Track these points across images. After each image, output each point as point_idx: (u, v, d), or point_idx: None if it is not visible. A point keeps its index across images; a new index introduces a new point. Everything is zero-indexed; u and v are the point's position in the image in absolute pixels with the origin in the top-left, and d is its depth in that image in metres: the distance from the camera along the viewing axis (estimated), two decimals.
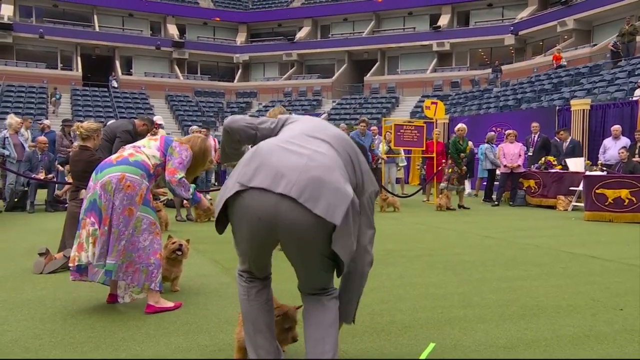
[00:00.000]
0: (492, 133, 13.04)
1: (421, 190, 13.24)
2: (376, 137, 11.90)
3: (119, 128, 6.78)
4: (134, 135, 6.58)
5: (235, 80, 40.00)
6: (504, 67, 29.34)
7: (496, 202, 11.28)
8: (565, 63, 23.52)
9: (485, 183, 12.71)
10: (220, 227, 2.14)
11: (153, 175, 3.40)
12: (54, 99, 29.29)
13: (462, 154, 10.58)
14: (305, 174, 1.85)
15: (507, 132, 11.83)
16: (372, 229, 2.18)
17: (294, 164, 1.88)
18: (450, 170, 10.42)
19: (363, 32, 37.80)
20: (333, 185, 1.85)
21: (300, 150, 1.96)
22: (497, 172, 11.78)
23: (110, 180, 3.22)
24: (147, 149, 3.41)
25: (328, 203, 1.82)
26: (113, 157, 3.37)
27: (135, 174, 3.27)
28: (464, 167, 10.62)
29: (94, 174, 3.34)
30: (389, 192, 11.30)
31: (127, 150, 3.40)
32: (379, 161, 11.58)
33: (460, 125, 10.90)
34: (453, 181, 10.50)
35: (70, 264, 3.30)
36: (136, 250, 3.24)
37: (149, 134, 6.72)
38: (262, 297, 2.20)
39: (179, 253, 3.84)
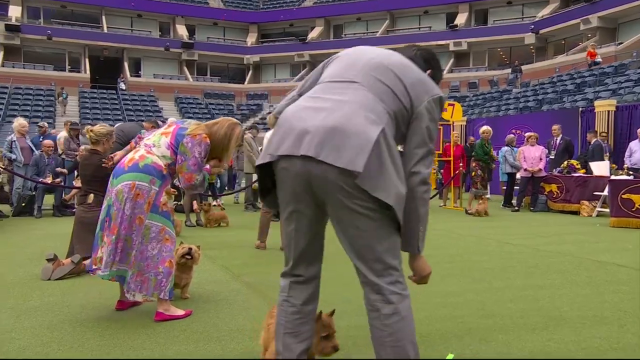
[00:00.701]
0: (512, 135, 12.98)
1: (437, 195, 13.19)
2: None
3: (132, 132, 6.87)
4: None
5: (246, 82, 40.23)
6: (524, 67, 29.17)
7: (516, 208, 11.20)
8: (601, 60, 23.18)
9: (505, 187, 12.62)
10: (269, 202, 2.12)
11: (167, 176, 3.37)
12: (60, 98, 29.69)
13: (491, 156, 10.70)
14: (323, 129, 1.83)
15: (527, 134, 11.76)
16: (425, 147, 1.95)
17: (313, 121, 1.86)
18: (474, 173, 10.44)
19: (377, 31, 37.81)
20: (353, 132, 1.80)
21: (322, 104, 1.92)
22: (518, 176, 11.69)
23: (123, 189, 3.25)
24: (157, 148, 3.36)
25: (350, 152, 1.78)
26: (126, 160, 3.37)
27: (144, 181, 3.26)
28: (493, 165, 10.71)
29: (112, 177, 3.37)
30: None
31: (139, 152, 3.37)
32: None
33: (485, 128, 10.92)
34: (477, 185, 10.50)
35: (93, 265, 3.34)
36: (145, 260, 3.27)
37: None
38: (302, 304, 2.07)
39: (189, 257, 3.86)
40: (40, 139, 10.75)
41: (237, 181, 12.33)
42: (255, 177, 8.46)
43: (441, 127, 12.36)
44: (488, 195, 13.82)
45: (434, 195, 12.43)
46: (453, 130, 12.63)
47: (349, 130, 1.80)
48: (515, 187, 11.93)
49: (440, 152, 12.28)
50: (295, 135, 1.87)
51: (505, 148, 12.44)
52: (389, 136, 1.85)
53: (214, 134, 3.41)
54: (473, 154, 10.57)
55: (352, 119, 1.83)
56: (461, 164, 11.55)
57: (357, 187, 1.80)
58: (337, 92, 1.95)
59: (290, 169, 1.90)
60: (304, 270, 2.09)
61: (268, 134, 6.39)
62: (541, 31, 31.82)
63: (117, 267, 3.26)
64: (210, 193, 10.62)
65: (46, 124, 11.80)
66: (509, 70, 29.57)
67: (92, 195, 4.91)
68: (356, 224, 1.86)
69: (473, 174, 10.48)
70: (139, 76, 37.70)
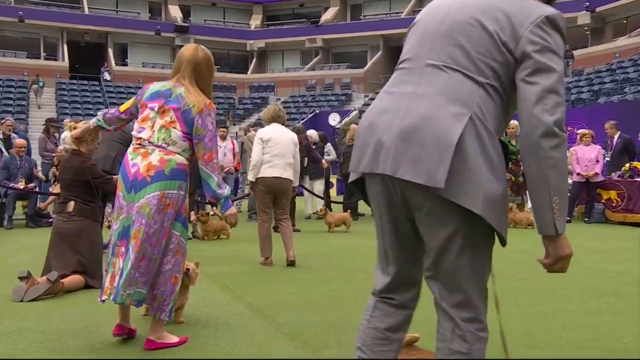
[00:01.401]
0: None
1: None
2: None
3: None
4: None
5: (249, 72, 40.44)
6: (576, 53, 28.96)
7: (567, 218, 11.07)
8: None
9: None
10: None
11: (190, 172, 3.46)
12: (35, 86, 29.65)
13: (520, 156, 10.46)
14: (399, 138, 1.82)
15: (580, 131, 11.66)
16: (537, 84, 1.75)
17: (388, 129, 1.85)
18: None
19: (402, 12, 37.83)
20: (432, 137, 1.77)
21: (396, 103, 1.90)
22: (569, 181, 11.61)
23: (149, 202, 3.24)
24: (174, 145, 3.33)
25: (429, 163, 1.76)
26: (142, 168, 3.28)
27: (173, 188, 3.30)
28: (520, 178, 10.45)
29: (125, 192, 3.31)
30: None
31: (155, 156, 3.30)
32: None
33: (511, 123, 10.78)
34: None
35: (103, 297, 3.33)
36: (159, 274, 3.34)
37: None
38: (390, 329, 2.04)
39: (185, 278, 3.89)
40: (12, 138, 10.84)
41: (240, 186, 12.39)
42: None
43: None
44: (529, 205, 13.71)
45: None
46: None
47: (427, 135, 1.77)
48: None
49: None
50: (371, 148, 1.89)
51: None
52: (478, 123, 1.77)
53: (204, 83, 3.50)
54: None
55: (431, 119, 1.78)
56: None
57: (440, 199, 1.79)
58: (411, 83, 1.90)
59: (372, 187, 1.98)
60: (396, 293, 2.07)
61: (262, 131, 6.43)
62: (598, 9, 31.54)
63: (138, 290, 3.26)
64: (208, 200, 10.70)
65: (9, 121, 11.55)
66: None
67: (72, 203, 4.96)
68: (438, 243, 1.86)
69: None
70: (126, 65, 38.08)
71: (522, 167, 9.93)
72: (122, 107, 3.68)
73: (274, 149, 6.24)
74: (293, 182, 6.41)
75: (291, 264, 6.13)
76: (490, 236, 1.87)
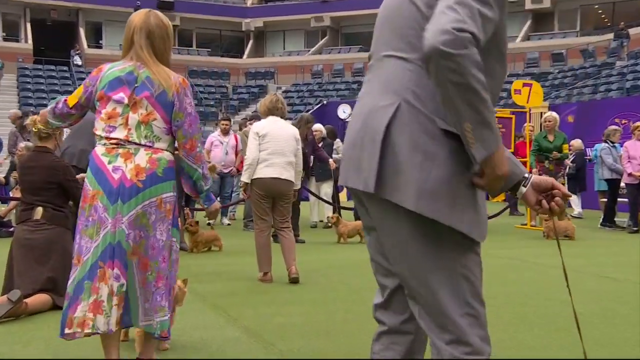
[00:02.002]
0: (614, 127, 12.79)
1: (508, 209, 13.07)
2: None
3: None
4: None
5: (245, 56, 40.48)
6: (632, 31, 28.82)
7: (634, 228, 10.97)
8: None
9: (605, 200, 12.47)
10: None
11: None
12: None
13: (555, 153, 10.39)
14: (348, 146, 2.05)
15: (635, 124, 11.59)
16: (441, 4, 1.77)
17: (347, 135, 2.08)
18: None
19: None
20: (369, 138, 1.92)
21: (356, 107, 2.09)
22: (622, 183, 11.54)
23: (145, 211, 3.20)
24: (159, 141, 3.28)
25: (365, 168, 1.91)
26: (129, 173, 3.19)
27: (169, 191, 3.30)
28: (560, 179, 10.42)
29: (107, 202, 3.18)
30: None
31: (142, 156, 3.22)
32: None
33: (548, 115, 10.76)
34: None
35: (80, 329, 3.15)
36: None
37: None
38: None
39: None
40: None
41: (234, 189, 12.40)
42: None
43: (513, 117, 12.31)
44: (579, 210, 13.68)
45: (502, 210, 12.32)
46: (529, 122, 12.56)
47: (366, 136, 1.94)
48: (624, 200, 11.72)
49: (512, 150, 12.19)
50: (344, 163, 2.10)
51: (603, 145, 12.25)
52: (408, 111, 1.86)
53: (163, 58, 3.40)
54: (531, 150, 10.41)
55: (368, 118, 1.95)
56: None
57: (384, 202, 1.88)
58: (366, 82, 2.11)
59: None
60: (385, 315, 2.12)
61: (258, 125, 6.43)
62: None
63: (165, 317, 3.26)
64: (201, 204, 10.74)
65: None
66: (611, 36, 29.26)
67: (40, 210, 4.96)
68: (397, 253, 1.94)
69: None
70: (100, 47, 38.18)
71: (564, 168, 9.86)
72: (70, 101, 3.47)
73: (272, 145, 6.24)
74: (295, 184, 6.42)
75: (294, 281, 6.13)
76: (460, 237, 1.85)
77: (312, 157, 10.48)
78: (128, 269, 3.17)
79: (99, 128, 3.28)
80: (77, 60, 34.76)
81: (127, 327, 3.31)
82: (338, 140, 12.21)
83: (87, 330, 3.12)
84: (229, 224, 11.83)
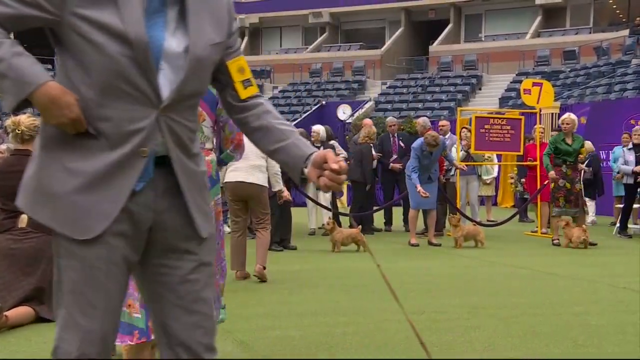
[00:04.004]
0: (638, 128, 12.66)
1: (518, 215, 13.06)
2: (447, 136, 11.87)
3: None
4: None
5: None
6: None
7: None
8: None
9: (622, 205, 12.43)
10: None
11: None
12: None
13: (581, 158, 10.41)
14: None
15: None
16: None
17: None
18: (553, 185, 10.20)
19: None
20: None
21: None
22: None
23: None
24: (208, 142, 3.37)
25: None
26: None
27: (219, 192, 3.43)
28: (578, 185, 10.38)
29: None
30: (468, 218, 11.20)
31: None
32: (452, 172, 11.51)
33: (566, 117, 10.71)
34: (559, 203, 10.28)
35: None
36: None
37: None
38: None
39: None
40: None
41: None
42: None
43: (522, 118, 12.28)
44: (591, 217, 13.66)
45: (512, 217, 12.33)
46: (540, 123, 12.55)
47: None
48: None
49: (521, 153, 12.17)
50: None
51: (620, 148, 12.24)
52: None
53: None
54: (545, 152, 10.39)
55: None
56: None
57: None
58: None
59: None
60: None
61: None
62: None
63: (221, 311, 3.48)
64: None
65: None
66: (626, 32, 29.29)
67: (25, 217, 4.92)
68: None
69: (553, 185, 10.22)
70: None
71: (581, 173, 9.82)
72: None
73: None
74: (265, 186, 6.82)
75: (259, 277, 6.67)
76: (58, 239, 1.89)
77: None
78: None
79: None
80: None
81: None
82: (335, 141, 12.20)
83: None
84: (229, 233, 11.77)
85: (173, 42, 1.88)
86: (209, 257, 2.02)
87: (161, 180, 1.91)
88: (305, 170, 1.99)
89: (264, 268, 6.69)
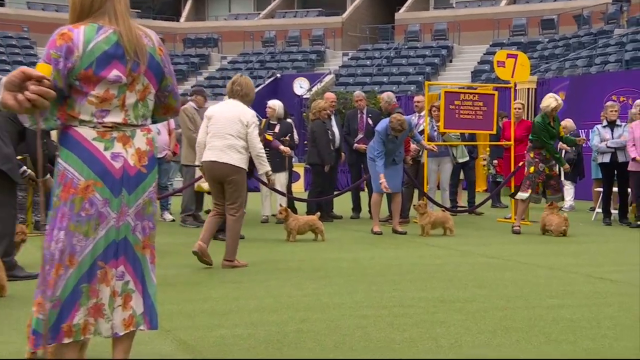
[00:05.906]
0: (612, 104, 12.86)
1: (490, 200, 13.17)
2: (423, 113, 11.85)
3: None
4: None
5: (183, 19, 40.09)
6: None
7: None
8: None
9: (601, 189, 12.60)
10: None
11: None
12: None
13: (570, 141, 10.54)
14: None
15: (638, 102, 11.72)
16: None
17: None
18: (532, 168, 10.25)
19: None
20: None
21: None
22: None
23: (151, 198, 3.36)
24: (150, 117, 3.38)
25: None
26: (131, 159, 3.23)
27: (157, 174, 3.44)
28: (555, 167, 10.53)
29: (109, 194, 3.19)
30: (436, 203, 11.28)
31: (139, 139, 3.29)
32: (421, 153, 11.57)
33: (551, 98, 10.77)
34: (538, 188, 10.37)
35: (81, 336, 3.21)
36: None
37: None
38: None
39: None
40: None
41: (168, 178, 12.25)
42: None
43: (496, 93, 12.37)
44: (569, 202, 13.87)
45: (484, 201, 12.45)
46: (515, 99, 12.65)
47: None
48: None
49: (494, 132, 12.26)
50: None
51: (601, 126, 12.36)
52: None
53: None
54: (530, 136, 10.45)
55: None
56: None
57: None
58: None
59: None
60: None
61: (210, 108, 6.79)
62: None
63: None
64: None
65: None
66: (609, 0, 29.64)
67: None
68: None
69: (531, 169, 10.23)
70: (3, 5, 37.37)
71: (561, 153, 9.84)
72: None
73: (213, 128, 7.09)
74: (240, 167, 6.95)
75: (226, 267, 7.01)
76: None
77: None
78: (142, 264, 3.30)
79: (85, 112, 3.17)
80: None
81: (154, 329, 3.43)
82: (289, 120, 12.06)
83: (87, 336, 3.23)
84: (173, 220, 11.68)
85: None
86: None
87: None
88: None
89: (230, 261, 7.04)
